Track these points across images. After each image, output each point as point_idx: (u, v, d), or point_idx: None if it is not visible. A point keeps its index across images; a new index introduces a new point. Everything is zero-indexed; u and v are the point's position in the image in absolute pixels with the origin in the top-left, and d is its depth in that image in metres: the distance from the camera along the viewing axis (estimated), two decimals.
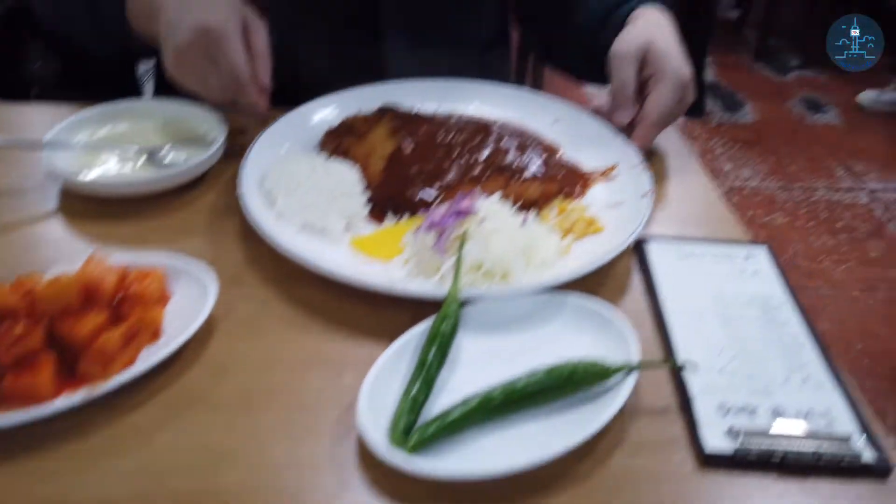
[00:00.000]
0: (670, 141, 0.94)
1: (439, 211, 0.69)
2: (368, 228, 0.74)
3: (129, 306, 0.57)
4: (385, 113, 0.86)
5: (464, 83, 0.97)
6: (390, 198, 0.76)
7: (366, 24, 0.99)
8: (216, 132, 0.83)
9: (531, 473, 0.49)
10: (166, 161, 0.82)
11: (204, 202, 0.79)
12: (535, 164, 0.81)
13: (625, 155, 0.84)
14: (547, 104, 0.94)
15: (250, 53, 0.77)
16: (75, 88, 1.10)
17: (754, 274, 0.71)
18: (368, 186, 0.77)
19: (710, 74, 3.54)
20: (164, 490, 0.49)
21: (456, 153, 0.81)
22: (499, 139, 0.84)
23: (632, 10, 0.92)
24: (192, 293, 0.61)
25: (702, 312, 0.65)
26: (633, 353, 0.57)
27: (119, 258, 0.62)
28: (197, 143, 0.84)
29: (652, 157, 0.90)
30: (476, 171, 0.78)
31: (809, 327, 0.64)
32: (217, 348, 0.60)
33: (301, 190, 0.73)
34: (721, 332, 0.63)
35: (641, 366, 0.56)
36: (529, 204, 0.77)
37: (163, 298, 0.61)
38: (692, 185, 0.88)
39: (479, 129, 0.85)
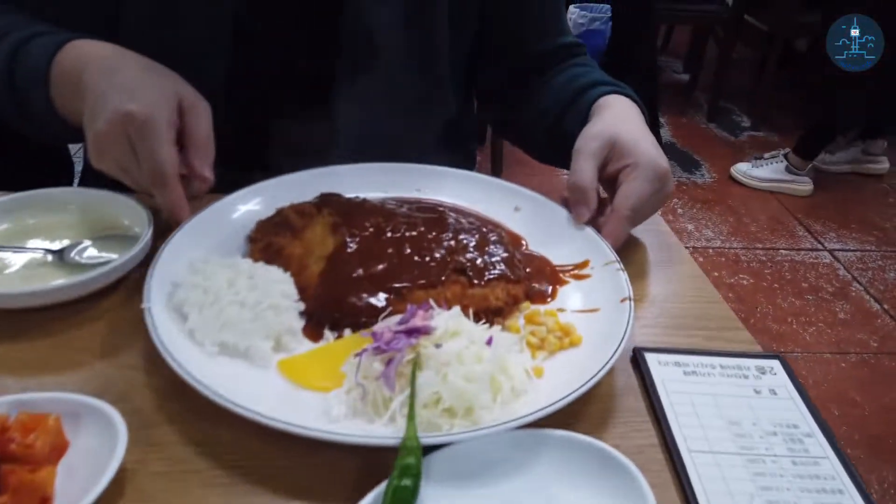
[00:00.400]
0: (654, 230, 0.86)
1: (387, 328, 0.58)
2: (303, 347, 0.62)
3: (10, 469, 0.46)
4: (324, 205, 0.75)
5: (414, 167, 0.87)
6: (329, 308, 0.64)
7: (319, 97, 0.90)
8: (142, 226, 0.71)
9: None
10: (80, 261, 0.69)
11: (121, 313, 0.66)
12: (497, 261, 0.71)
13: (596, 250, 0.74)
14: (507, 190, 0.85)
15: (189, 142, 0.69)
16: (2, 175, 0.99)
17: (772, 394, 0.61)
18: (303, 295, 0.65)
19: (665, 135, 3.58)
20: None
21: (407, 251, 0.70)
22: (456, 232, 0.73)
23: (599, 96, 0.86)
24: (96, 441, 0.50)
25: (720, 447, 0.55)
26: (647, 499, 0.47)
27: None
28: (120, 239, 0.72)
29: (634, 249, 0.81)
30: (431, 275, 0.67)
31: (844, 463, 0.54)
32: None
33: (219, 303, 0.61)
34: (746, 476, 0.53)
35: None
36: (493, 313, 0.66)
37: (56, 451, 0.49)
38: (683, 280, 0.78)
39: (434, 222, 0.74)
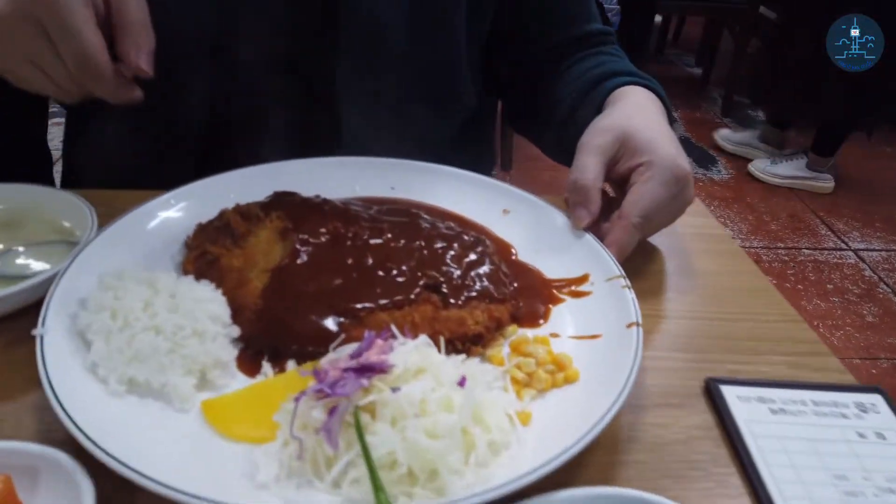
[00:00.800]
0: (708, 233, 0.75)
1: (335, 364, 0.46)
2: (236, 383, 0.51)
3: None
4: (275, 206, 0.63)
5: (388, 162, 0.75)
6: (269, 334, 0.53)
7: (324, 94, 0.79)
8: (84, 230, 0.61)
9: None
10: (7, 271, 0.59)
11: None
12: (479, 275, 0.59)
13: (598, 262, 0.62)
14: (495, 189, 0.73)
15: (118, 23, 0.56)
16: None
17: (880, 439, 0.50)
18: (238, 318, 0.54)
19: (679, 130, 3.44)
20: None
21: (370, 264, 0.58)
22: (430, 240, 0.62)
23: (617, 86, 0.74)
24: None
25: None
26: None
27: None
28: (62, 245, 0.62)
29: (682, 254, 0.70)
30: (397, 293, 0.55)
31: None
32: None
33: (131, 329, 0.49)
34: None
35: None
36: (471, 341, 0.54)
37: None
38: (752, 294, 0.67)
39: (404, 228, 0.63)
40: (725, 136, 3.25)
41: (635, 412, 0.52)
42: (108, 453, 0.40)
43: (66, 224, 0.65)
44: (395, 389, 0.43)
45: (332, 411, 0.43)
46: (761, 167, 3.02)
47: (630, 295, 0.57)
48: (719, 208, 2.83)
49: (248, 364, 0.52)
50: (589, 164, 0.65)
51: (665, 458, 0.49)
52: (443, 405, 0.44)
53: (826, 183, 2.94)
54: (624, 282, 0.58)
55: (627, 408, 0.51)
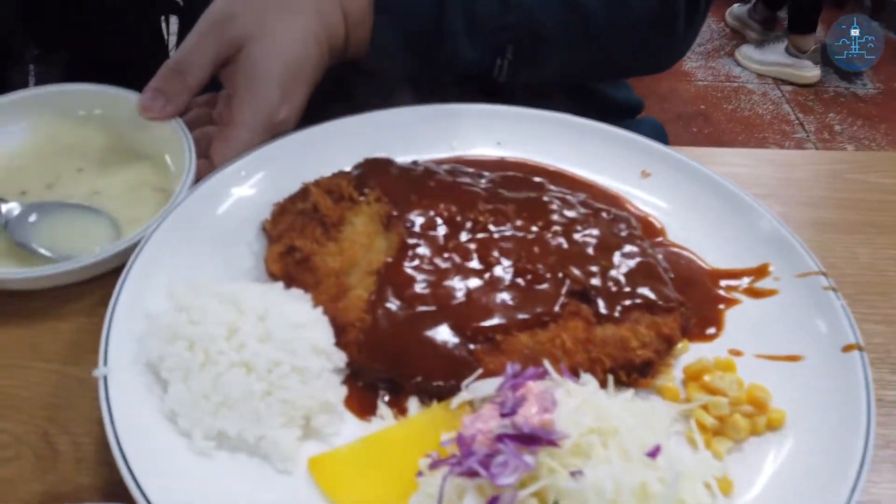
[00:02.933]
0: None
1: (481, 422, 0.35)
2: (346, 429, 0.40)
3: None
4: (369, 180, 0.50)
5: (487, 109, 0.60)
6: (383, 365, 0.42)
7: None
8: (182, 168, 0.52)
9: None
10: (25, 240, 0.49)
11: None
12: (636, 274, 0.46)
13: (781, 248, 0.49)
14: (627, 144, 0.58)
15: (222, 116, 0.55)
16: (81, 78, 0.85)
17: None
18: (343, 339, 0.42)
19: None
20: None
21: (500, 264, 0.45)
22: (568, 225, 0.48)
23: None
24: None
25: None
26: None
27: None
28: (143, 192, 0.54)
29: None
30: (539, 306, 0.43)
31: None
32: None
33: (216, 365, 0.39)
34: None
35: None
36: (638, 370, 0.43)
37: None
38: None
39: (532, 207, 0.49)
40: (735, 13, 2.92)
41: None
42: None
43: (167, 158, 0.55)
44: (575, 473, 0.32)
45: (492, 502, 0.32)
46: (746, 53, 2.74)
47: (839, 302, 0.44)
48: (862, 129, 2.47)
49: (360, 402, 0.41)
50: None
51: None
52: (637, 491, 0.33)
53: (808, 72, 2.62)
54: (826, 281, 0.45)
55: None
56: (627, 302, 0.44)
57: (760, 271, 0.49)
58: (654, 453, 0.34)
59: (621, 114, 0.81)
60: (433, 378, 0.41)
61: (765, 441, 0.40)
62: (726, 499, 0.36)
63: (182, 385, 0.38)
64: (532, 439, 0.34)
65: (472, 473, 0.33)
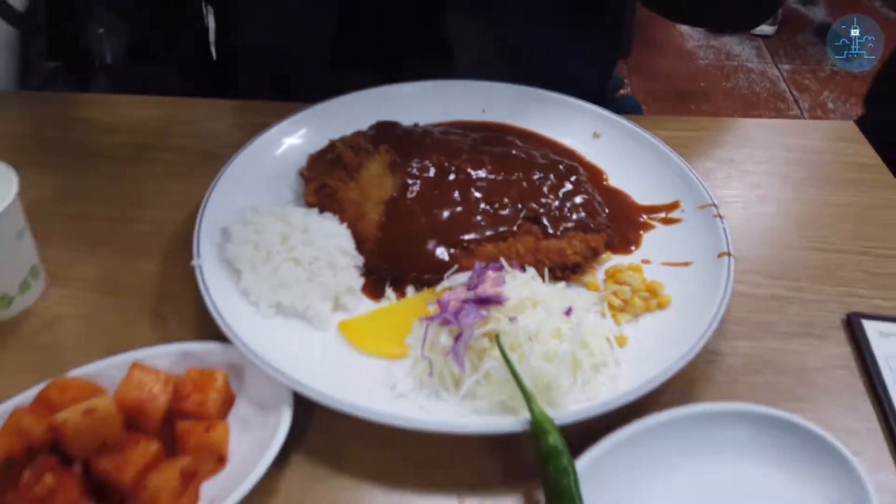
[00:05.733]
0: (861, 157, 0.75)
1: (454, 295, 0.52)
2: (363, 306, 0.58)
3: (186, 428, 0.46)
4: (381, 138, 0.67)
5: (478, 85, 0.77)
6: (389, 265, 0.59)
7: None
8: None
9: None
10: None
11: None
12: (576, 206, 0.63)
13: (689, 189, 0.65)
14: (584, 112, 0.74)
15: None
16: (143, 61, 0.96)
17: None
18: (361, 247, 0.60)
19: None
20: None
21: (474, 197, 0.62)
22: (528, 171, 0.65)
23: None
24: (260, 392, 0.50)
25: None
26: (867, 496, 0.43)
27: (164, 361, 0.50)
28: None
29: (816, 174, 0.72)
30: (501, 225, 0.60)
31: None
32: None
33: (273, 261, 0.56)
34: None
35: None
36: (570, 269, 0.60)
37: (226, 405, 0.49)
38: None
39: (503, 159, 0.66)
40: None
41: (772, 336, 0.57)
42: (278, 370, 0.48)
43: None
44: (512, 319, 0.49)
45: (457, 337, 0.50)
46: None
47: (722, 224, 0.60)
48: (857, 105, 2.58)
49: (373, 290, 0.59)
50: None
51: (795, 382, 0.53)
52: (553, 333, 0.50)
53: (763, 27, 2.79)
54: (715, 210, 0.62)
55: (763, 330, 0.57)
56: (567, 224, 0.61)
57: (672, 206, 0.65)
58: (568, 312, 0.51)
59: (603, 92, 0.95)
60: (424, 273, 0.58)
61: (654, 316, 0.56)
62: (620, 349, 0.53)
63: (250, 273, 0.56)
64: (486, 301, 0.51)
65: (446, 322, 0.50)
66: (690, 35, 3.02)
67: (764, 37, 2.99)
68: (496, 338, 0.48)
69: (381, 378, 0.52)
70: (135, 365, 0.47)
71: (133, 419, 0.45)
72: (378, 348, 0.54)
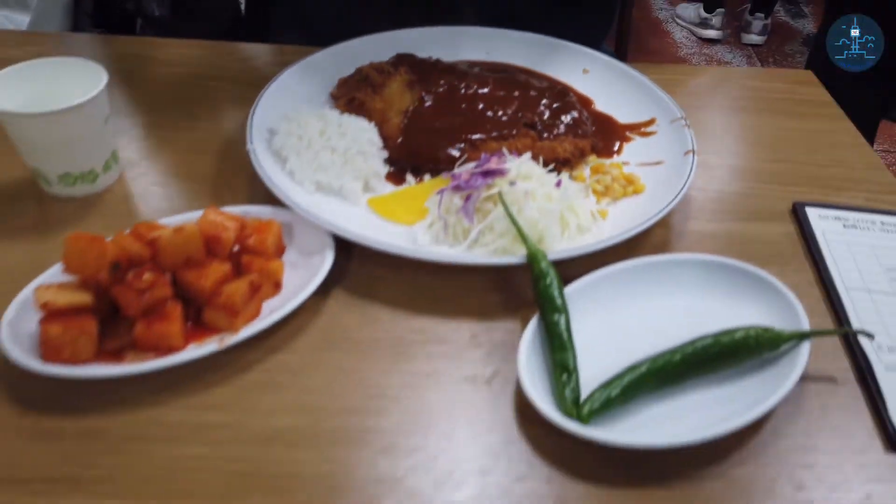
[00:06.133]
0: (804, 83, 0.89)
1: (465, 171, 0.64)
2: (388, 189, 0.69)
3: (249, 259, 0.57)
4: (400, 64, 0.79)
5: (483, 30, 0.89)
6: (410, 157, 0.71)
7: None
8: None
9: (711, 443, 0.46)
10: None
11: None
12: (566, 117, 0.75)
13: (663, 108, 0.77)
14: (576, 52, 0.86)
15: None
16: (184, 17, 1.07)
17: None
18: (386, 145, 0.71)
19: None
20: (323, 428, 0.49)
21: (480, 108, 0.74)
22: (526, 90, 0.77)
23: None
24: (307, 246, 0.60)
25: (877, 287, 0.60)
26: (801, 321, 0.53)
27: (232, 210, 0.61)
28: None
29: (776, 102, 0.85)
30: (503, 128, 0.72)
31: None
32: (335, 306, 0.58)
33: (313, 148, 0.68)
34: None
35: (815, 333, 0.53)
36: (561, 163, 0.71)
37: (279, 250, 0.60)
38: (842, 147, 0.81)
39: (505, 81, 0.78)
40: None
41: (733, 220, 0.69)
42: (321, 218, 0.59)
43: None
44: (512, 184, 0.61)
45: (467, 199, 0.61)
46: (678, 11, 3.19)
47: (689, 132, 0.72)
48: None
49: (396, 177, 0.70)
50: None
51: (750, 250, 0.65)
52: (546, 197, 0.61)
53: (708, 32, 3.07)
54: (685, 122, 0.73)
55: (726, 216, 0.68)
56: (558, 130, 0.73)
57: (649, 122, 0.77)
58: (558, 184, 0.63)
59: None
60: (439, 165, 0.70)
61: (630, 200, 0.68)
62: (602, 220, 0.65)
63: (295, 158, 0.67)
64: (491, 173, 0.62)
65: (458, 188, 0.62)
66: (683, 43, 3.18)
67: (754, 46, 3.15)
68: (499, 194, 0.60)
69: (404, 237, 0.63)
70: (210, 206, 0.58)
71: (209, 247, 0.56)
72: (401, 217, 0.65)
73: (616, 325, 0.55)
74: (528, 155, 0.66)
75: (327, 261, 0.58)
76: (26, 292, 0.53)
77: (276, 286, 0.57)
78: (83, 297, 0.51)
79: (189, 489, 0.45)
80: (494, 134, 0.71)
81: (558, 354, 0.50)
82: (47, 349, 0.49)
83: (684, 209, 0.69)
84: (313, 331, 0.56)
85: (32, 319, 0.51)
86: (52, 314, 0.50)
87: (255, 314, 0.55)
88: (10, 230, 0.64)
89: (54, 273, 0.54)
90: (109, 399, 0.50)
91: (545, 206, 0.60)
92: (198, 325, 0.54)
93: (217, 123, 0.78)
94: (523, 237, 0.57)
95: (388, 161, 0.71)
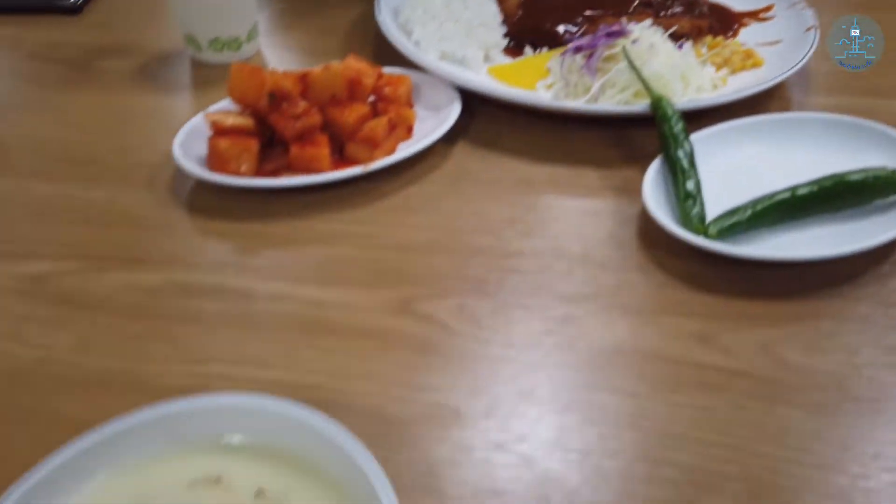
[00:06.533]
0: None
1: (587, 38, 0.66)
2: (506, 61, 0.72)
3: (385, 104, 0.61)
4: None
5: None
6: (529, 31, 0.73)
7: None
8: None
9: (833, 268, 0.48)
10: None
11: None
12: (683, 2, 0.76)
13: None
14: None
15: None
16: None
17: None
18: (506, 20, 0.74)
19: None
20: (458, 243, 0.53)
21: None
22: None
23: None
24: (435, 103, 0.64)
25: None
26: None
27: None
28: None
29: None
30: (620, 6, 0.74)
31: None
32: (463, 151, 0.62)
33: (438, 20, 0.71)
34: None
35: None
36: (679, 37, 0.72)
37: (410, 103, 0.64)
38: None
39: None
40: None
41: (854, 95, 0.68)
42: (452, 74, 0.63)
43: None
44: (634, 41, 0.63)
45: (590, 56, 0.63)
46: None
47: (809, 12, 0.71)
48: None
49: (514, 52, 0.73)
50: None
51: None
52: (668, 53, 0.63)
53: None
54: (803, 4, 0.73)
55: (847, 91, 0.68)
56: (675, 9, 0.74)
57: (767, 8, 0.77)
58: (680, 46, 0.64)
59: None
60: (558, 39, 0.72)
61: (749, 72, 0.68)
62: (723, 86, 0.66)
63: (421, 28, 0.71)
64: (614, 34, 0.64)
65: (579, 49, 0.64)
66: None
67: None
68: (623, 47, 0.62)
69: (525, 98, 0.66)
70: (351, 54, 0.63)
71: (351, 89, 0.60)
72: (522, 82, 0.68)
73: (739, 169, 0.56)
74: (648, 21, 0.68)
75: (455, 111, 0.61)
76: (193, 122, 0.60)
77: (409, 131, 0.61)
78: (246, 121, 0.57)
79: (343, 278, 0.50)
80: (611, 11, 0.73)
81: (682, 183, 0.52)
82: (215, 161, 0.56)
83: (803, 82, 0.69)
84: (442, 172, 0.60)
85: (198, 144, 0.57)
86: (219, 132, 0.56)
87: (392, 150, 0.59)
88: (167, 87, 0.72)
89: (221, 106, 0.60)
90: (267, 210, 0.56)
91: (668, 61, 0.62)
92: (342, 160, 0.59)
93: (344, 9, 0.83)
94: (647, 86, 0.59)
95: (507, 35, 0.74)
